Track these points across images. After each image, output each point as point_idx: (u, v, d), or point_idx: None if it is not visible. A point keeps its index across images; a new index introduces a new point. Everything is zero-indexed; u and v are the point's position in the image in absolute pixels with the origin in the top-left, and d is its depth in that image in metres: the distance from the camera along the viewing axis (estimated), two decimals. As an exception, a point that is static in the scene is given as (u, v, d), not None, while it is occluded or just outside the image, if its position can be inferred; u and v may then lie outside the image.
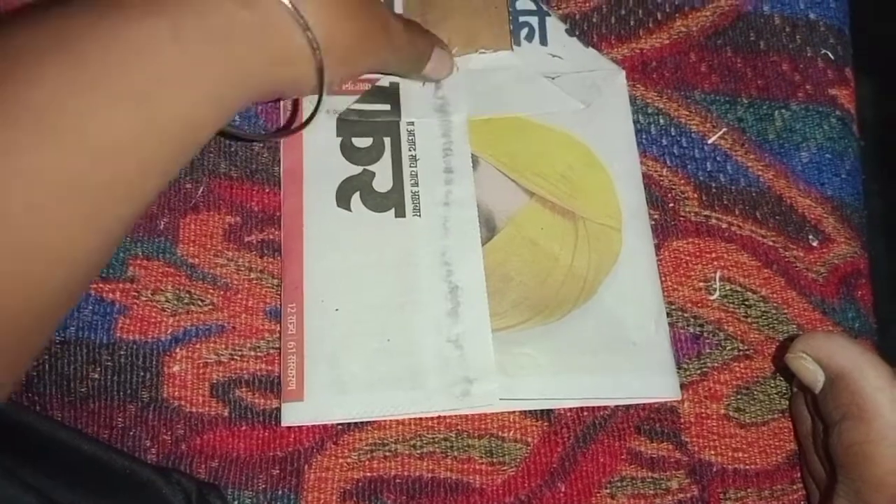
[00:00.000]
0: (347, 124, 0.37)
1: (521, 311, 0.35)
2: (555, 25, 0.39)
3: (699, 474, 0.34)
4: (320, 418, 0.33)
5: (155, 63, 0.23)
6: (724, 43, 0.40)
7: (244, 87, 0.26)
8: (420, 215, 0.36)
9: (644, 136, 0.38)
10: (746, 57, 0.40)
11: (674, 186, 0.38)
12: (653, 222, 0.37)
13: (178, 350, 0.34)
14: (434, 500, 0.33)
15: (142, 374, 0.33)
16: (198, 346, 0.34)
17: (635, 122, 0.38)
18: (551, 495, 0.33)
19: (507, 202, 0.36)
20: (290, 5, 0.25)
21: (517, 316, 0.35)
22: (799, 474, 0.35)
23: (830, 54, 0.41)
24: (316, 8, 0.26)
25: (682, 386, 0.35)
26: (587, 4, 0.40)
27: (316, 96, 0.28)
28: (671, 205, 0.37)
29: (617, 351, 0.34)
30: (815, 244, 0.38)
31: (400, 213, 0.36)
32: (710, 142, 0.39)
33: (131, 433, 0.33)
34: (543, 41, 0.39)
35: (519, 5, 0.39)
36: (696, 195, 0.38)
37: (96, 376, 0.33)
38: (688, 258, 0.37)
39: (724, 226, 0.37)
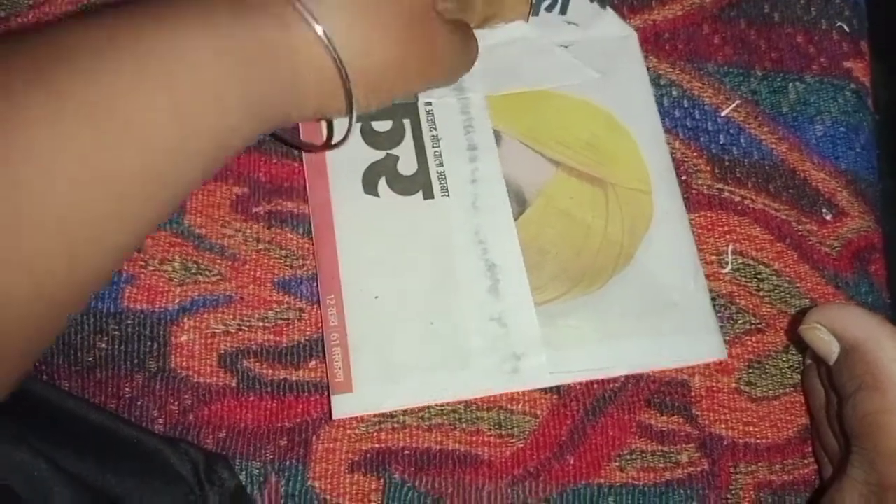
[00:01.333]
0: None
1: (560, 283, 0.34)
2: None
3: (709, 448, 0.34)
4: (371, 408, 0.32)
5: (197, 76, 0.24)
6: (738, 14, 0.40)
7: (274, 108, 0.27)
8: (449, 195, 0.35)
9: (657, 108, 0.38)
10: (760, 29, 0.40)
11: (686, 159, 0.37)
12: (664, 195, 0.37)
13: (185, 320, 0.33)
14: (442, 472, 0.33)
15: (149, 343, 0.33)
16: (205, 316, 0.33)
17: (647, 93, 0.38)
18: (560, 468, 0.33)
19: (534, 175, 0.36)
20: (322, 33, 0.25)
21: (557, 288, 0.34)
22: (810, 449, 0.34)
23: (846, 27, 0.40)
24: (349, 33, 0.26)
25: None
26: (599, -25, 0.40)
27: None
28: (683, 177, 0.37)
29: (659, 313, 0.34)
30: (828, 218, 0.37)
31: (428, 195, 0.35)
32: (723, 114, 0.38)
33: (139, 403, 0.33)
34: (563, 10, 0.38)
35: None
36: (708, 168, 0.37)
37: (103, 346, 0.33)
38: (700, 231, 0.36)
39: (737, 199, 0.37)
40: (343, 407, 0.32)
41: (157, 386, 0.33)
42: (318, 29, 0.25)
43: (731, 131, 0.38)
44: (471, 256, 0.34)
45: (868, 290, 0.36)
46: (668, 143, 0.37)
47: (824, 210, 0.37)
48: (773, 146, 0.38)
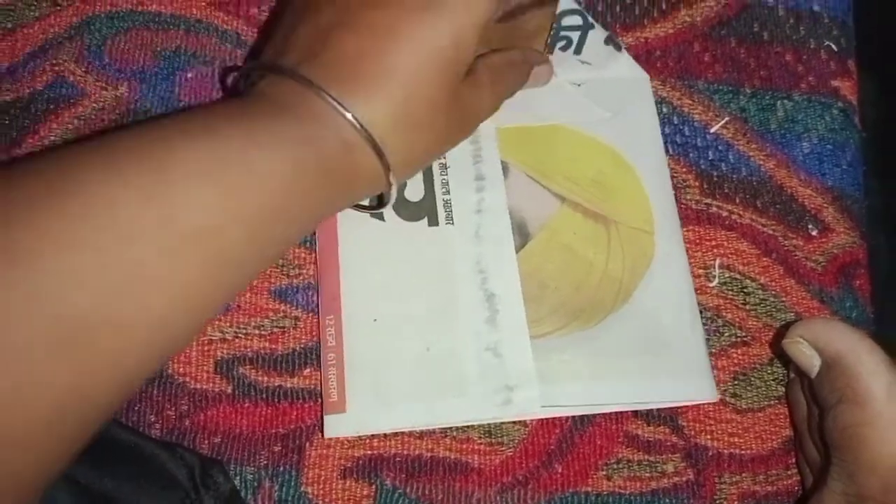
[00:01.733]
0: None
1: (558, 318, 0.35)
2: (595, 36, 0.39)
3: (695, 458, 0.34)
4: (363, 430, 0.33)
5: (278, 193, 0.25)
6: (728, 33, 0.41)
7: (328, 210, 0.29)
8: (453, 223, 0.36)
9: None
10: (750, 47, 0.41)
11: (675, 174, 0.38)
12: (654, 209, 0.37)
13: (183, 327, 0.34)
14: (433, 479, 0.33)
15: (147, 350, 0.34)
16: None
17: (638, 110, 0.39)
18: (548, 476, 0.34)
19: (539, 208, 0.36)
20: (369, 139, 0.27)
21: (554, 322, 0.35)
22: (794, 460, 0.35)
23: (834, 46, 0.41)
24: (395, 137, 0.28)
25: (680, 371, 0.35)
26: (593, -7, 0.40)
27: None
28: (672, 192, 0.38)
29: (654, 354, 0.34)
30: (814, 233, 0.38)
31: (433, 222, 0.36)
32: (712, 131, 0.39)
33: (136, 408, 0.33)
34: (578, 51, 0.39)
35: (565, 21, 0.39)
36: (697, 183, 0.38)
37: (102, 351, 0.33)
38: (688, 245, 0.37)
39: (725, 214, 0.38)
40: (335, 427, 0.33)
41: (155, 391, 0.33)
42: (374, 143, 0.27)
43: (720, 148, 0.39)
44: (471, 285, 0.35)
45: (852, 304, 0.37)
46: (658, 159, 0.38)
47: (810, 226, 0.38)
48: (761, 163, 0.39)
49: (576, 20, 0.39)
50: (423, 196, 0.36)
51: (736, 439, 0.35)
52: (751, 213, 0.38)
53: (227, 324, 0.34)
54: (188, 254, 0.23)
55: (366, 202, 0.34)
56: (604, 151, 0.38)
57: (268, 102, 0.26)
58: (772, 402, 0.36)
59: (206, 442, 0.33)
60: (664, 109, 0.39)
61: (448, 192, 0.36)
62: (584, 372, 0.34)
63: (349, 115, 0.26)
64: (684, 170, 0.38)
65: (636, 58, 0.40)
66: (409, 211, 0.36)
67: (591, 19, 0.39)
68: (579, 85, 0.38)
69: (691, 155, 0.38)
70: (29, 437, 0.21)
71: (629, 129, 0.38)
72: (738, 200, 0.38)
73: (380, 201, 0.32)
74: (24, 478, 0.21)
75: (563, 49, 0.39)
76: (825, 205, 0.38)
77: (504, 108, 0.36)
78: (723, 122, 0.39)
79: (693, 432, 0.35)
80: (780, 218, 0.38)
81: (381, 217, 0.35)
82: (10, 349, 0.20)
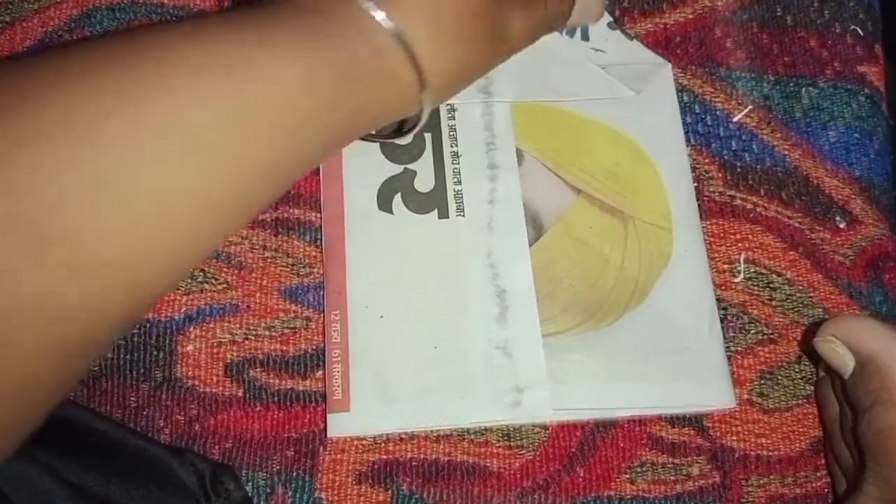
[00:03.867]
0: None
1: (571, 316, 0.34)
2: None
3: (721, 460, 0.33)
4: (367, 430, 0.32)
5: (285, 109, 0.22)
6: (750, 18, 0.39)
7: (356, 126, 0.26)
8: (464, 215, 0.34)
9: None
10: (773, 33, 0.39)
11: (697, 166, 0.37)
12: (676, 202, 0.36)
13: (191, 329, 0.33)
14: (450, 484, 0.32)
15: (155, 353, 0.33)
16: (212, 325, 0.33)
17: (658, 99, 0.37)
18: (570, 480, 0.33)
19: (553, 200, 0.35)
20: (402, 44, 0.24)
21: (567, 321, 0.33)
22: (823, 461, 0.34)
23: (860, 30, 0.40)
24: (429, 45, 0.25)
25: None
26: (610, -22, 0.39)
27: None
28: (695, 184, 0.36)
29: (670, 356, 0.33)
30: (842, 226, 0.37)
31: (443, 214, 0.34)
32: (735, 120, 0.38)
33: (144, 413, 0.32)
34: (585, 36, 0.37)
35: None
36: (720, 175, 0.37)
37: (109, 355, 0.32)
38: (711, 239, 0.36)
39: (749, 206, 0.36)
40: (338, 426, 0.32)
41: (163, 395, 0.32)
42: (408, 48, 0.25)
43: (744, 137, 0.37)
44: (481, 281, 0.33)
45: (882, 299, 0.36)
46: (680, 150, 0.37)
47: (837, 218, 0.37)
48: (786, 152, 0.37)
49: None
50: (433, 186, 0.35)
51: (763, 440, 0.34)
52: (776, 206, 0.36)
53: (237, 325, 0.33)
54: (206, 155, 0.21)
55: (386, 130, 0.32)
56: (623, 143, 0.36)
57: (293, 4, 0.24)
58: (800, 402, 0.34)
59: (217, 447, 0.32)
60: (685, 98, 0.38)
61: (459, 182, 0.35)
62: (597, 374, 0.33)
63: (379, 16, 0.24)
64: (707, 161, 0.37)
65: (655, 44, 0.38)
66: (419, 203, 0.35)
67: None
68: (603, 68, 0.37)
69: (714, 145, 0.37)
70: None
71: (649, 119, 0.36)
72: (762, 192, 0.37)
73: (399, 129, 0.31)
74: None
75: (570, 34, 0.37)
76: (853, 196, 0.37)
77: (522, 79, 0.35)
78: (746, 110, 0.38)
79: (719, 433, 0.34)
80: (807, 210, 0.37)
81: (389, 210, 0.34)
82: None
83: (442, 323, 0.33)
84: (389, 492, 0.32)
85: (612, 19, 0.38)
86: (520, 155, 0.35)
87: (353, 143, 0.32)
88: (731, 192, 0.37)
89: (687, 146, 0.37)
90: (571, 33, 0.37)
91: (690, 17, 0.39)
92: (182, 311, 0.33)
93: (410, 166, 0.35)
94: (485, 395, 0.32)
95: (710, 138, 0.37)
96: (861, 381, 0.29)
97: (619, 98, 0.36)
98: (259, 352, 0.33)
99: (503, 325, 0.33)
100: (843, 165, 0.37)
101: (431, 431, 0.33)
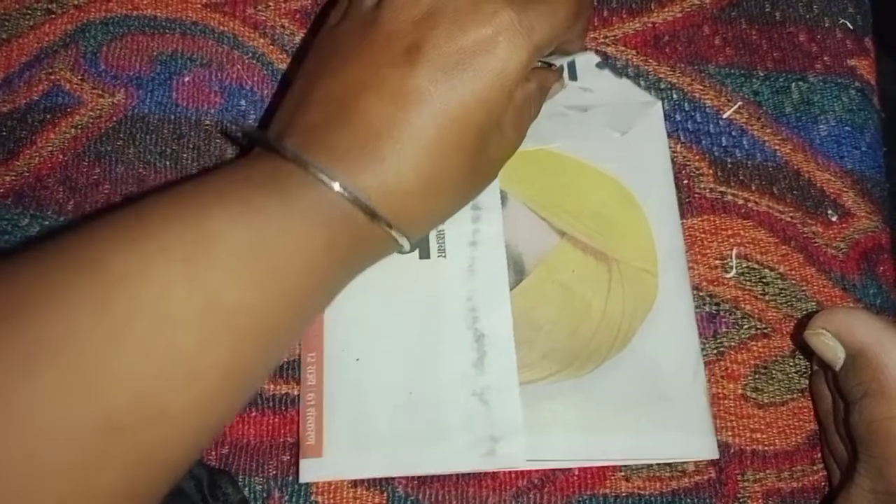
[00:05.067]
0: None
1: (550, 363, 0.33)
2: (586, 59, 0.37)
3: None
4: (340, 475, 0.32)
5: (317, 266, 0.24)
6: (739, 15, 0.39)
7: (358, 271, 0.28)
8: (446, 256, 0.34)
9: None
10: (762, 28, 0.39)
11: (688, 163, 0.37)
12: (666, 200, 0.36)
13: (186, 336, 0.33)
14: (446, 485, 0.32)
15: (151, 360, 0.33)
16: (206, 332, 0.34)
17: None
18: (565, 478, 0.33)
19: (536, 242, 0.34)
20: (384, 222, 0.26)
21: (546, 368, 0.33)
22: (819, 454, 0.34)
23: (849, 24, 0.40)
24: (411, 213, 0.27)
25: (699, 366, 0.34)
26: (597, -21, 0.39)
27: None
28: (685, 181, 0.37)
29: (651, 407, 0.32)
30: (834, 219, 0.36)
31: (424, 254, 0.34)
32: (724, 116, 0.38)
33: (142, 420, 0.33)
34: (573, 76, 0.37)
35: None
36: (711, 171, 0.37)
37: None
38: (703, 236, 0.36)
39: (741, 202, 0.36)
40: (311, 472, 0.31)
41: (160, 402, 0.33)
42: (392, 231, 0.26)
43: (734, 133, 0.37)
44: (460, 324, 0.33)
45: (876, 291, 0.36)
46: (670, 148, 0.37)
47: (830, 211, 0.37)
48: (777, 147, 0.37)
49: None
50: None
51: (759, 435, 0.34)
52: (767, 200, 0.36)
53: (232, 331, 0.34)
54: (231, 336, 0.22)
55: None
56: (608, 184, 0.35)
57: (292, 173, 0.25)
58: (795, 396, 0.34)
59: (214, 453, 0.33)
60: (674, 96, 0.38)
61: (442, 223, 0.34)
62: (574, 424, 0.32)
63: (336, 186, 0.25)
64: (697, 157, 0.37)
65: (644, 43, 0.38)
66: None
67: None
68: (585, 110, 0.36)
69: (704, 142, 0.37)
70: None
71: (636, 160, 0.36)
72: (753, 187, 0.37)
73: None
74: None
75: None
76: (845, 189, 0.37)
77: None
78: (735, 106, 0.38)
79: (714, 429, 0.34)
80: (799, 204, 0.37)
81: None
82: (50, 454, 0.19)
83: (419, 367, 0.32)
84: (385, 494, 0.32)
85: (599, 59, 0.37)
86: (504, 196, 0.35)
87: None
88: (722, 188, 0.37)
89: (678, 144, 0.37)
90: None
91: (679, 15, 0.39)
92: (177, 318, 0.34)
93: None
94: (460, 443, 0.31)
95: (699, 135, 0.37)
96: (852, 373, 0.29)
97: (606, 140, 0.36)
98: (254, 357, 0.34)
99: (480, 371, 0.32)
100: (835, 159, 0.37)
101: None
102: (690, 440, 0.32)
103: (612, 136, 0.36)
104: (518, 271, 0.34)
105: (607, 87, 0.37)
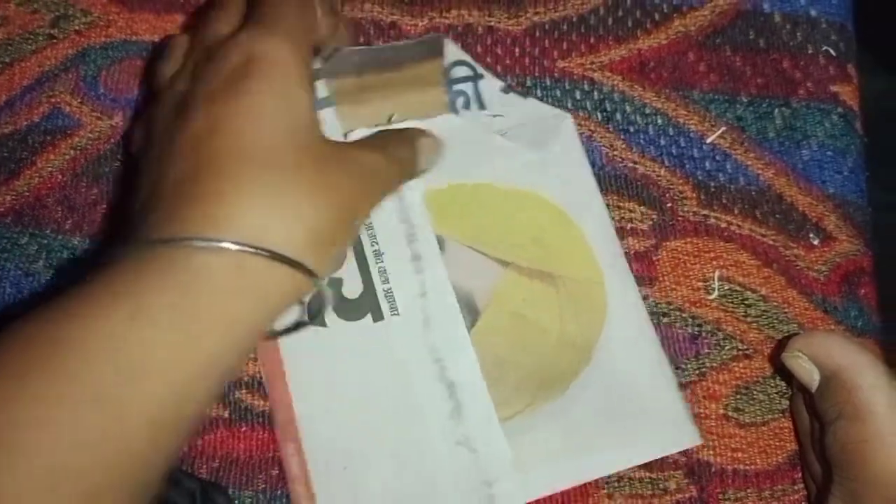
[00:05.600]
0: None
1: (523, 394, 0.33)
2: (489, 86, 0.37)
3: (697, 475, 0.34)
4: None
5: (118, 354, 0.22)
6: (723, 42, 0.40)
7: (245, 336, 0.25)
8: (399, 313, 0.34)
9: (642, 137, 0.38)
10: (746, 55, 0.40)
11: (672, 186, 0.38)
12: (650, 222, 0.37)
13: (179, 353, 0.34)
14: (431, 501, 0.33)
15: (144, 376, 0.34)
16: (199, 349, 0.34)
17: (633, 122, 0.38)
18: (548, 499, 0.33)
19: (483, 279, 0.35)
20: (265, 252, 0.24)
21: (521, 400, 0.33)
22: (800, 474, 0.34)
23: (832, 51, 0.40)
24: (287, 236, 0.25)
25: (681, 386, 0.34)
26: (584, 7, 0.40)
27: None
28: (669, 205, 0.37)
29: (628, 414, 0.33)
30: (816, 243, 0.37)
31: (378, 317, 0.34)
32: (708, 141, 0.38)
33: (134, 435, 0.33)
34: (481, 105, 0.37)
35: (452, 73, 0.37)
36: (694, 194, 0.38)
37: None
38: (686, 258, 0.37)
39: (724, 225, 0.37)
40: None
41: (153, 418, 0.34)
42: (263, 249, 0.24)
43: (717, 157, 0.38)
44: (428, 379, 0.33)
45: (857, 314, 0.36)
46: (654, 171, 0.38)
47: (811, 235, 0.37)
48: (760, 171, 0.38)
49: (464, 71, 0.37)
50: (362, 291, 0.34)
51: (740, 454, 0.34)
52: (750, 224, 0.37)
53: (224, 349, 0.34)
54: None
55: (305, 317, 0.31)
56: (540, 205, 0.36)
57: (156, 279, 0.24)
58: (776, 416, 0.35)
59: (205, 467, 0.33)
60: (659, 121, 0.39)
61: (387, 281, 0.34)
62: (560, 450, 0.32)
63: (225, 244, 0.24)
64: (681, 181, 0.38)
65: (629, 70, 0.39)
66: (350, 310, 0.34)
67: (479, 69, 0.37)
68: (503, 135, 0.36)
69: (688, 166, 0.38)
70: None
71: (560, 173, 0.36)
72: (736, 211, 0.37)
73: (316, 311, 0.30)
74: None
75: (466, 107, 0.37)
76: (827, 213, 0.38)
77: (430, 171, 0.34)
78: (719, 131, 0.39)
79: (695, 448, 0.34)
80: (781, 227, 0.37)
81: (322, 323, 0.34)
82: None
83: (399, 430, 0.33)
84: (371, 509, 0.33)
85: (503, 83, 0.37)
86: (441, 241, 0.35)
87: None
88: (706, 212, 0.37)
89: (661, 168, 0.38)
90: (467, 105, 0.37)
91: (664, 42, 0.40)
92: (171, 335, 0.34)
93: (335, 275, 0.34)
94: (455, 496, 0.32)
95: (683, 160, 0.38)
96: (827, 395, 0.30)
97: (527, 160, 0.36)
98: (244, 374, 0.34)
99: (459, 420, 0.33)
100: (817, 183, 0.38)
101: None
102: (672, 435, 0.33)
103: (530, 156, 0.36)
104: (472, 311, 0.34)
105: (516, 110, 0.37)
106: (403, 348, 0.33)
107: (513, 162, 0.36)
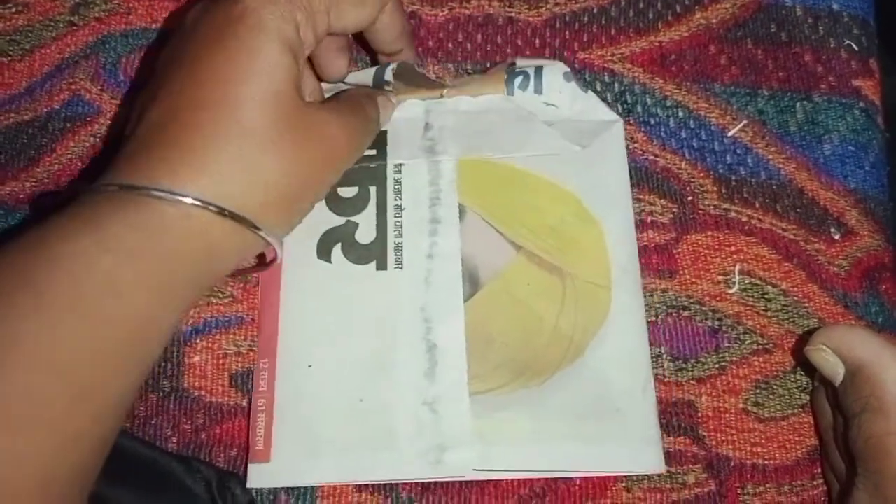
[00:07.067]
0: None
1: (502, 374, 0.33)
2: (552, 71, 0.36)
3: (717, 469, 0.34)
4: (287, 482, 0.32)
5: (91, 276, 0.24)
6: (745, 35, 0.40)
7: (194, 279, 0.28)
8: (402, 268, 0.34)
9: (663, 129, 0.38)
10: (767, 49, 0.40)
11: (693, 179, 0.37)
12: (671, 215, 0.37)
13: (198, 341, 0.34)
14: (449, 492, 0.33)
15: (163, 364, 0.34)
16: (218, 337, 0.34)
17: (654, 115, 0.38)
18: (566, 488, 0.33)
19: (492, 256, 0.35)
20: (213, 208, 0.26)
21: (498, 378, 0.33)
22: (819, 469, 0.34)
23: (854, 45, 0.40)
24: (239, 189, 0.27)
25: (700, 380, 0.34)
26: (605, -2, 0.40)
27: None
28: (690, 198, 0.37)
29: (601, 419, 0.32)
30: (837, 237, 0.37)
31: (381, 266, 0.34)
32: (729, 134, 0.38)
33: (153, 422, 0.33)
34: (538, 90, 0.36)
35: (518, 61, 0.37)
36: (715, 188, 0.37)
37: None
38: (706, 251, 0.36)
39: (744, 219, 0.37)
40: (258, 477, 0.32)
41: (171, 405, 0.34)
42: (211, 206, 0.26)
43: (738, 151, 0.38)
44: (413, 334, 0.33)
45: (878, 309, 0.36)
46: (675, 164, 0.37)
47: (832, 229, 0.37)
48: (781, 165, 0.38)
49: (527, 61, 0.37)
50: (374, 238, 0.35)
51: (759, 449, 0.34)
52: (771, 218, 0.37)
53: (242, 337, 0.34)
54: (56, 390, 0.23)
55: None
56: (567, 199, 0.36)
57: (118, 216, 0.26)
58: (795, 411, 0.35)
59: (223, 455, 0.33)
60: (680, 113, 0.38)
61: (400, 235, 0.35)
62: (524, 435, 0.32)
63: (178, 197, 0.26)
64: (701, 174, 0.38)
65: (650, 62, 0.39)
66: (358, 254, 0.35)
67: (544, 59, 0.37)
68: (551, 125, 0.36)
69: (709, 159, 0.38)
70: None
71: (596, 176, 0.36)
72: (757, 205, 0.37)
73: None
74: None
75: (523, 87, 0.36)
76: (848, 207, 0.37)
77: (468, 137, 0.36)
78: (740, 125, 0.38)
79: (715, 442, 0.34)
80: (802, 222, 0.37)
81: (328, 259, 0.34)
82: None
83: (371, 375, 0.33)
84: (389, 499, 0.33)
85: (568, 69, 0.36)
86: (462, 210, 0.35)
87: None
88: (726, 206, 0.37)
89: (682, 161, 0.38)
90: (525, 87, 0.36)
91: (686, 35, 0.40)
92: (189, 323, 0.34)
93: (353, 218, 0.35)
94: (409, 451, 0.32)
95: (704, 153, 0.38)
96: (851, 389, 0.29)
97: (567, 154, 0.36)
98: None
99: (431, 380, 0.33)
100: (838, 178, 0.38)
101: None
102: (638, 454, 0.32)
103: (572, 151, 0.36)
104: (473, 284, 0.34)
105: (572, 104, 0.36)
106: (397, 300, 0.34)
107: (553, 153, 0.36)
